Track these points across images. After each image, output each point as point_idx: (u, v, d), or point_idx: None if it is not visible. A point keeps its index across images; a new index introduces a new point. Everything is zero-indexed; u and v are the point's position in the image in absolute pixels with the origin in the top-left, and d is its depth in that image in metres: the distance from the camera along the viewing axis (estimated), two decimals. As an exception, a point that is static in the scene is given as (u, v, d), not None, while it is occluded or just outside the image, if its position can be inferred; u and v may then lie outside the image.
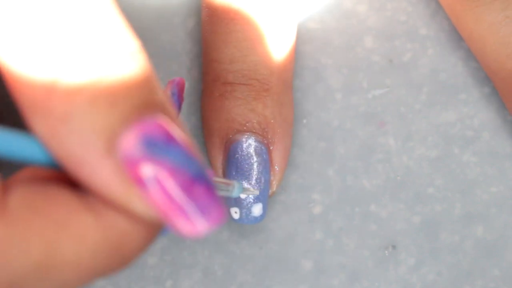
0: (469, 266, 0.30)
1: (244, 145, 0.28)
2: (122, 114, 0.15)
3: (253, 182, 0.28)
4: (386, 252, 0.30)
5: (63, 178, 0.17)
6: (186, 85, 0.31)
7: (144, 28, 0.31)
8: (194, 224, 0.16)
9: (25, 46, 0.15)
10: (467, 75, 0.31)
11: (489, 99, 0.31)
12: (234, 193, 0.24)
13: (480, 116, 0.31)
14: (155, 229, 0.17)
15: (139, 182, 0.15)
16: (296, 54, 0.31)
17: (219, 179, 0.26)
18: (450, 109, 0.31)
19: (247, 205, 0.28)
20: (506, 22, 0.27)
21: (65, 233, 0.15)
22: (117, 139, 0.15)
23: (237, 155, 0.28)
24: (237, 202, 0.28)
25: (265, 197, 0.28)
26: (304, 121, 0.31)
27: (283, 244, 0.30)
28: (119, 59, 0.15)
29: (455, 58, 0.31)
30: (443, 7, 0.30)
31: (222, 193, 0.23)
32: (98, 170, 0.15)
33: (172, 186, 0.15)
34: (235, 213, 0.28)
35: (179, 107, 0.22)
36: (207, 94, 0.29)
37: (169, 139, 0.16)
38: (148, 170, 0.15)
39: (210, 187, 0.16)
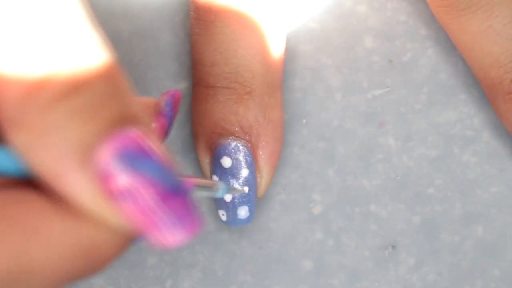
0: (469, 266, 0.30)
1: (226, 149, 0.27)
2: (96, 127, 0.15)
3: (236, 185, 0.28)
4: (386, 252, 0.30)
5: (32, 185, 0.17)
6: (186, 86, 0.31)
7: (144, 28, 0.31)
8: (168, 236, 0.16)
9: None
10: (467, 75, 0.31)
11: (489, 99, 0.31)
12: (220, 193, 0.23)
13: (480, 116, 0.31)
14: (127, 238, 0.17)
15: (114, 195, 0.15)
16: (296, 54, 0.31)
17: (204, 180, 0.26)
18: (450, 109, 0.31)
19: (233, 207, 0.28)
20: (488, 32, 0.27)
21: (33, 239, 0.15)
22: (92, 153, 0.15)
23: (220, 159, 0.28)
24: (224, 204, 0.28)
25: (251, 200, 0.28)
26: (304, 121, 0.31)
27: (283, 244, 0.30)
28: (89, 75, 0.15)
29: (455, 58, 0.31)
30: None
31: (208, 194, 0.23)
32: (74, 183, 0.15)
33: (147, 199, 0.15)
34: (222, 215, 0.28)
35: (172, 119, 0.21)
36: (192, 97, 0.29)
37: (144, 152, 0.16)
38: (123, 183, 0.15)
39: (185, 199, 0.16)
